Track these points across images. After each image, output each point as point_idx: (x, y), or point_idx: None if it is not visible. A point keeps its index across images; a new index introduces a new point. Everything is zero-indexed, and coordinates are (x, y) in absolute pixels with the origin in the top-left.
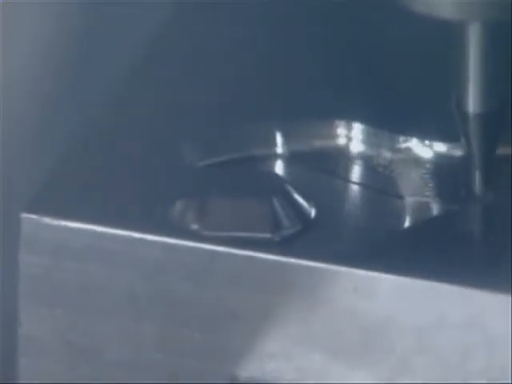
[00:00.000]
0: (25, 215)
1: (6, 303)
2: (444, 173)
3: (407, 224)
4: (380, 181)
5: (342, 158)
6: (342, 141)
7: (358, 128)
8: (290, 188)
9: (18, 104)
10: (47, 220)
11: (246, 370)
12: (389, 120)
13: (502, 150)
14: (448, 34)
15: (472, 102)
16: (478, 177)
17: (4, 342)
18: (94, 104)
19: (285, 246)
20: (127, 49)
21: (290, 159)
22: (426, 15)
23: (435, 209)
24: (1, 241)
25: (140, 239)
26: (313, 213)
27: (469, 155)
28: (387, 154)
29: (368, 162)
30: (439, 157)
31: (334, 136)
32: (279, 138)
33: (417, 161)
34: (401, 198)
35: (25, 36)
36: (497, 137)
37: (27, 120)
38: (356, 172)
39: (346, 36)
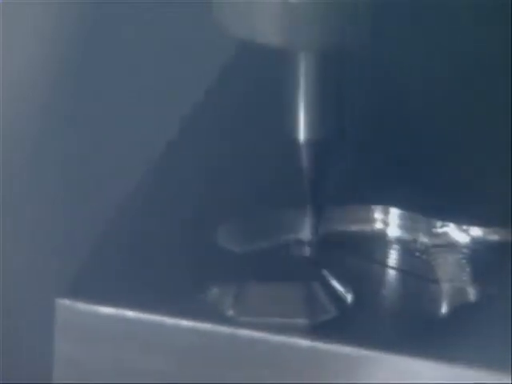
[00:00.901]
0: (59, 300)
1: None
2: (481, 257)
3: (445, 309)
4: (417, 266)
5: (378, 242)
6: (379, 225)
7: (394, 213)
8: (326, 273)
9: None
10: (81, 305)
11: None
12: (425, 205)
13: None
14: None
15: (302, 129)
16: (308, 209)
17: None
18: (126, 193)
19: (322, 331)
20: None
21: (327, 244)
22: (256, 44)
23: (472, 294)
24: (36, 326)
25: (175, 325)
26: (349, 298)
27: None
28: (424, 239)
29: (405, 246)
30: (476, 241)
31: (371, 220)
32: (316, 223)
33: (454, 245)
34: (438, 282)
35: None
36: (327, 164)
37: (54, 195)
38: (393, 257)
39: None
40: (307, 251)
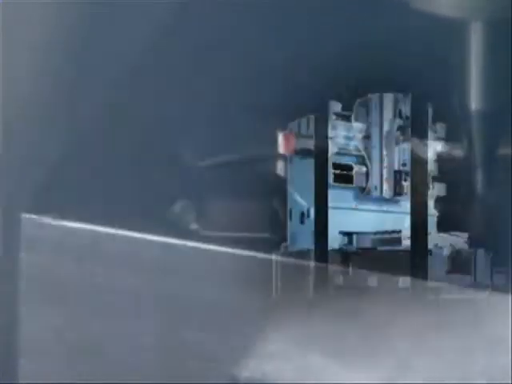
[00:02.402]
0: (25, 215)
1: (6, 302)
2: (445, 172)
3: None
4: None
5: None
6: None
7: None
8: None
9: (17, 102)
10: (47, 220)
11: (246, 370)
12: None
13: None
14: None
15: (474, 100)
16: (479, 175)
17: (4, 341)
18: (93, 104)
19: (285, 245)
20: (126, 48)
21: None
22: (429, 13)
23: (437, 207)
24: (2, 240)
25: (139, 239)
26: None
27: (470, 154)
28: None
29: None
30: (440, 156)
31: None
32: (280, 139)
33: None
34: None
35: (25, 36)
36: (498, 135)
37: (27, 120)
38: None
39: (349, 37)
40: (270, 166)
